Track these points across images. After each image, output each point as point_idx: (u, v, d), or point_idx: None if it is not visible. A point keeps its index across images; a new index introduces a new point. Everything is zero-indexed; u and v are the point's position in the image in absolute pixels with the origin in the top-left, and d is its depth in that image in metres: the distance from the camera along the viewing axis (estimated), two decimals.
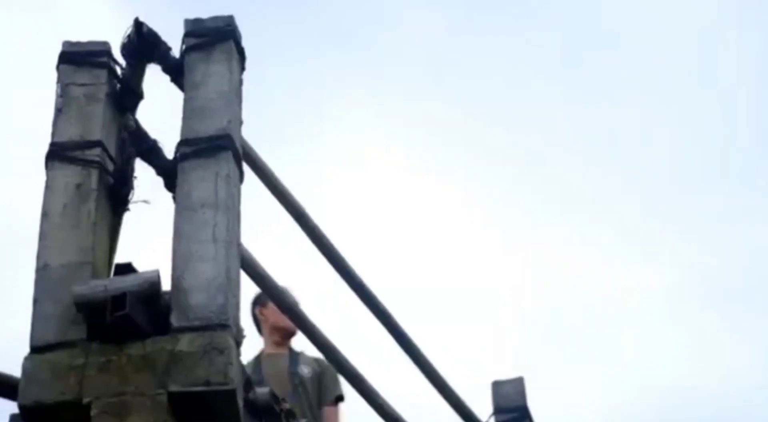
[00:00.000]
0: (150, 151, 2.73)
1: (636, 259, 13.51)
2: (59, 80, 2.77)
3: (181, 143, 2.63)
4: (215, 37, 2.77)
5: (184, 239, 2.48)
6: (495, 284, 12.40)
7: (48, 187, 2.61)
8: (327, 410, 5.56)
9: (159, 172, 2.69)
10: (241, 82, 2.79)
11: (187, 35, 2.80)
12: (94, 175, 2.62)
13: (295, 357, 5.65)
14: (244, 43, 2.85)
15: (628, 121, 13.58)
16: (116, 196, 2.69)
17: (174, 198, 2.58)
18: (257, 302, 5.57)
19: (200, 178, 2.56)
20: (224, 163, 2.58)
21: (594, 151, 13.74)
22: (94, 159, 2.63)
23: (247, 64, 2.86)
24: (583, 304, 12.96)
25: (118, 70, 2.80)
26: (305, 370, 5.61)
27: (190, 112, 2.69)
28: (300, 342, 5.83)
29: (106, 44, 2.80)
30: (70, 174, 2.62)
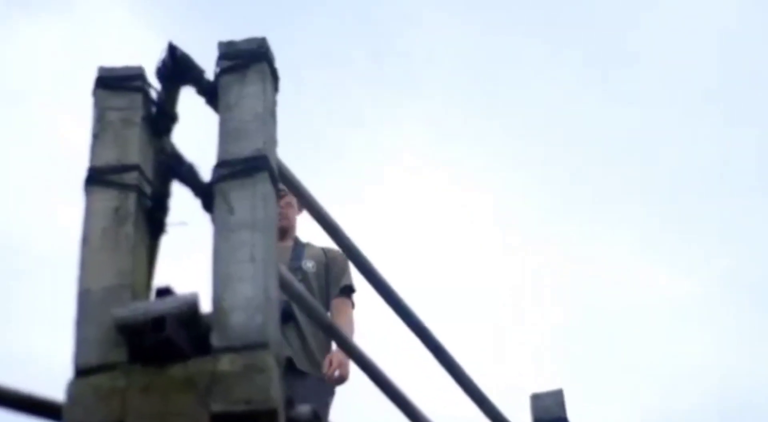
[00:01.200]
0: (186, 173, 2.74)
1: (660, 265, 13.47)
2: (95, 105, 2.80)
3: (218, 165, 2.65)
4: (249, 59, 2.79)
5: (223, 260, 2.50)
6: (521, 293, 12.39)
7: (87, 211, 2.63)
8: (334, 302, 5.22)
9: (196, 194, 2.71)
10: (275, 103, 2.81)
11: (220, 58, 2.82)
12: (132, 198, 2.64)
13: (299, 250, 5.33)
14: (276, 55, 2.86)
15: (654, 122, 13.55)
16: (154, 219, 2.70)
17: (211, 219, 2.60)
18: None
19: (237, 199, 2.58)
20: (261, 183, 2.59)
21: (617, 152, 13.71)
22: (132, 182, 2.65)
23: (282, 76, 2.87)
24: (610, 311, 12.93)
25: (153, 94, 2.82)
26: (309, 265, 5.29)
27: (225, 134, 2.71)
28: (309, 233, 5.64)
29: (140, 68, 2.82)
30: (108, 198, 2.64)
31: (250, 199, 2.57)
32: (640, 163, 13.68)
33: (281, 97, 2.83)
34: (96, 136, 2.73)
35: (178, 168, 2.76)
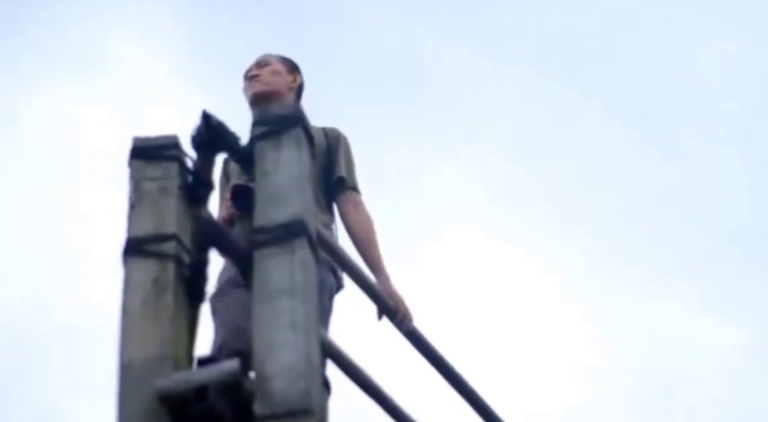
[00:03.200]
0: (224, 241, 2.74)
1: (715, 317, 13.32)
2: (131, 176, 2.80)
3: (256, 231, 2.64)
4: (284, 125, 2.79)
5: (263, 327, 2.48)
6: (572, 358, 12.24)
7: (125, 282, 2.63)
8: (344, 198, 4.56)
9: (235, 262, 2.70)
10: (311, 167, 2.81)
11: (255, 124, 2.82)
12: (171, 267, 2.63)
13: None
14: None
15: (703, 177, 13.49)
16: (193, 288, 2.69)
17: (251, 286, 2.58)
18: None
19: (276, 265, 2.56)
20: (299, 249, 2.58)
21: (672, 208, 13.63)
22: (170, 252, 2.64)
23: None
24: (662, 366, 12.76)
25: (189, 162, 2.82)
26: None
27: (262, 200, 2.70)
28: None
29: (175, 137, 2.83)
30: (146, 268, 2.63)
31: (288, 265, 2.56)
32: (693, 215, 13.54)
33: None
34: (133, 207, 2.74)
35: (216, 236, 2.75)
